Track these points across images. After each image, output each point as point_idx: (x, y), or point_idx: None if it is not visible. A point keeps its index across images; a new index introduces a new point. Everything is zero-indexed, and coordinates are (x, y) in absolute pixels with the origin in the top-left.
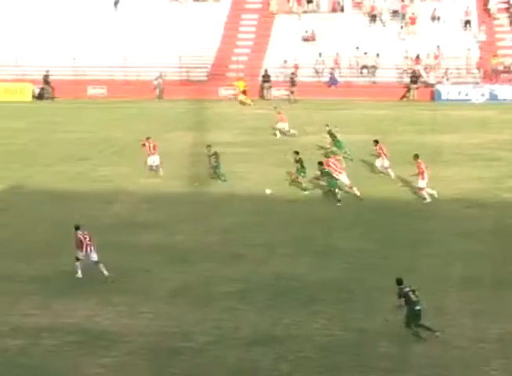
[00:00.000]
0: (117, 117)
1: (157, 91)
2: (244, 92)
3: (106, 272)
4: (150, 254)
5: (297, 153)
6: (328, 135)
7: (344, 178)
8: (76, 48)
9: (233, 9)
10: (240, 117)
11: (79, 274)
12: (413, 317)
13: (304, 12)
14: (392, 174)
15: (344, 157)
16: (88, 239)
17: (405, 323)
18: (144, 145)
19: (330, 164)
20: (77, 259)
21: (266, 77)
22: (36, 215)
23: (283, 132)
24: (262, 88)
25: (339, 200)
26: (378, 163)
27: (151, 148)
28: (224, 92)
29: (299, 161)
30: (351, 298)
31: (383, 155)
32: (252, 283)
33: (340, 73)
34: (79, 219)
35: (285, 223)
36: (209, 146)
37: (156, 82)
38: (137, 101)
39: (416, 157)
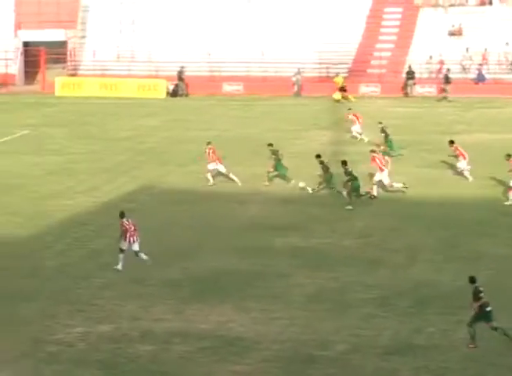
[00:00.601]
0: (252, 115)
1: (295, 87)
2: (342, 89)
3: (145, 257)
4: (286, 257)
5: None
6: (382, 134)
7: (385, 176)
8: (211, 43)
9: (376, 2)
10: (382, 114)
11: (119, 266)
12: (482, 318)
13: (451, 5)
14: (470, 177)
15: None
16: (132, 229)
17: (470, 322)
18: (205, 151)
19: (376, 160)
20: (121, 250)
21: (410, 74)
22: (168, 216)
23: (354, 136)
24: (406, 85)
25: (349, 204)
26: (460, 164)
27: (211, 154)
28: (365, 88)
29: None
30: (500, 306)
31: (461, 156)
32: (392, 289)
33: (488, 69)
34: (213, 221)
35: (426, 227)
36: (270, 144)
37: (294, 79)
38: (274, 98)
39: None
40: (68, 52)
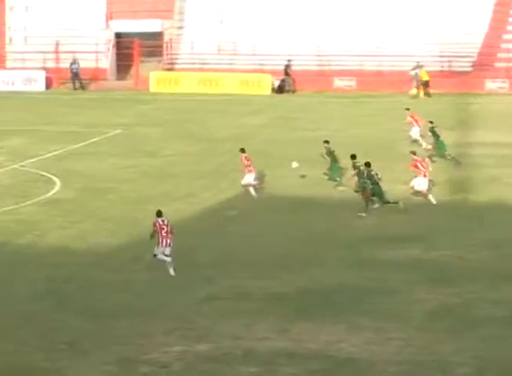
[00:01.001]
0: (367, 113)
1: (414, 83)
2: (427, 84)
3: (173, 273)
4: (403, 271)
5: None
6: (431, 134)
7: (425, 182)
8: (321, 34)
9: None
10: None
11: (171, 272)
12: None
13: None
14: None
15: (447, 159)
16: (164, 230)
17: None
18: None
19: (418, 164)
20: (155, 256)
21: None
22: (272, 224)
23: (414, 140)
24: None
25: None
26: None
27: (245, 162)
28: (491, 84)
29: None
30: None
31: None
32: None
33: None
34: (321, 230)
35: None
36: (326, 141)
37: (412, 73)
38: (390, 95)
39: None
40: (164, 45)
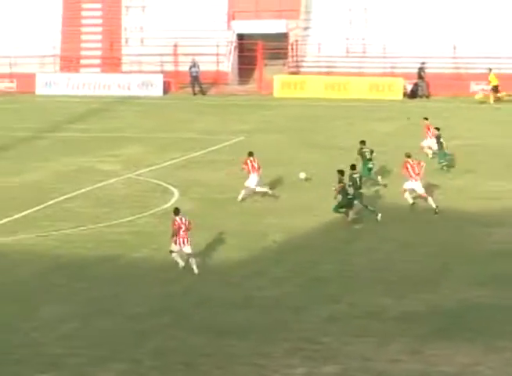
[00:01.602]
0: (508, 120)
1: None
2: (496, 88)
3: (196, 270)
4: None
5: None
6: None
7: (418, 186)
8: (457, 34)
9: None
10: None
11: (180, 266)
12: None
13: None
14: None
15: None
16: (182, 229)
17: None
18: (245, 164)
19: (408, 166)
20: (171, 252)
21: None
22: (400, 238)
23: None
24: None
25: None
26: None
27: (251, 166)
28: None
29: None
30: None
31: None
32: None
33: None
34: (454, 244)
35: None
36: (362, 142)
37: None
38: None
39: None
40: (289, 47)
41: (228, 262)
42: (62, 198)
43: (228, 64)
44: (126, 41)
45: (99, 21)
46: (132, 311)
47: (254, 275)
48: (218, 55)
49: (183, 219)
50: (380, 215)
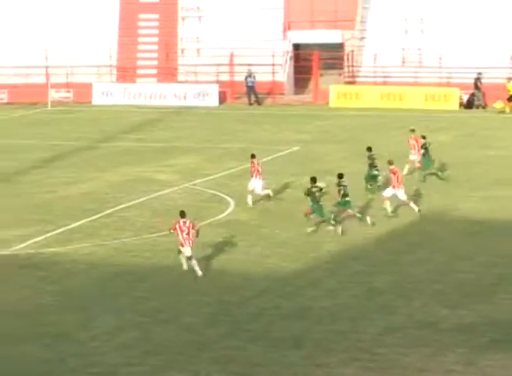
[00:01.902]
0: None
1: None
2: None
3: (199, 272)
4: None
5: None
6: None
7: (401, 193)
8: None
9: None
10: None
11: (184, 267)
12: None
13: None
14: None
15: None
16: (186, 232)
17: None
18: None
19: (393, 174)
20: (179, 252)
21: None
22: (459, 249)
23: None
24: None
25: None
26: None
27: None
28: None
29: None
30: None
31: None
32: None
33: None
34: None
35: None
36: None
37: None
38: None
39: None
40: (345, 56)
41: (283, 272)
42: (118, 208)
43: (283, 74)
44: (182, 52)
45: (156, 31)
46: (189, 320)
47: (309, 285)
48: (273, 65)
49: (186, 223)
50: (368, 217)
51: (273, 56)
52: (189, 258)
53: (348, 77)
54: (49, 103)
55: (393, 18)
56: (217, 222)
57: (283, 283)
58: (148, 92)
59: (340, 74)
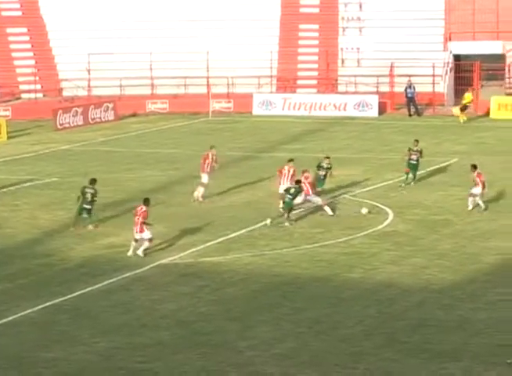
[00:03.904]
0: None
1: None
2: (464, 107)
3: (130, 253)
4: None
5: None
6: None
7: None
8: None
9: None
10: None
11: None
12: None
13: None
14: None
15: None
16: (136, 217)
17: None
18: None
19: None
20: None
21: None
22: None
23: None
24: None
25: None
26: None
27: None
28: None
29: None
30: None
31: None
32: None
33: None
34: None
35: None
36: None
37: None
38: None
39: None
40: (506, 67)
41: (442, 283)
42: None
43: (444, 85)
44: (342, 62)
45: (316, 42)
46: (346, 332)
47: (468, 297)
48: (434, 76)
49: (142, 209)
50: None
51: (433, 66)
52: (135, 241)
53: (509, 88)
54: (210, 113)
55: None
56: (376, 233)
57: (442, 294)
58: (308, 103)
59: (501, 86)
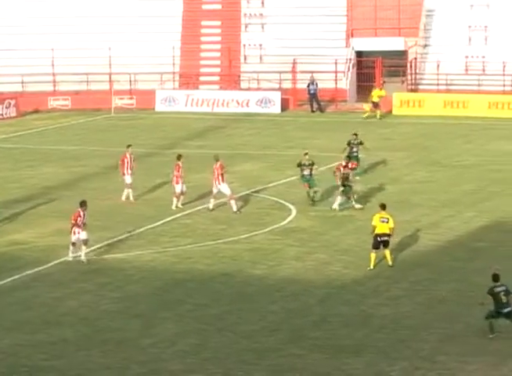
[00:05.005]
0: None
1: None
2: (375, 104)
3: (83, 253)
4: None
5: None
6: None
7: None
8: None
9: None
10: None
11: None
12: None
13: None
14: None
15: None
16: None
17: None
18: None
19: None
20: (72, 244)
21: None
22: None
23: None
24: None
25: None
26: None
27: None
28: None
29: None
30: None
31: None
32: None
33: None
34: None
35: None
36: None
37: None
38: None
39: None
40: (408, 64)
41: (345, 279)
42: (180, 215)
43: (346, 81)
44: (245, 59)
45: (219, 38)
46: (249, 328)
47: (371, 293)
48: (336, 72)
49: (84, 210)
50: None
51: (336, 63)
52: (85, 242)
53: (411, 84)
54: (113, 110)
55: (457, 25)
56: (278, 229)
57: (344, 290)
58: (210, 99)
59: (403, 82)
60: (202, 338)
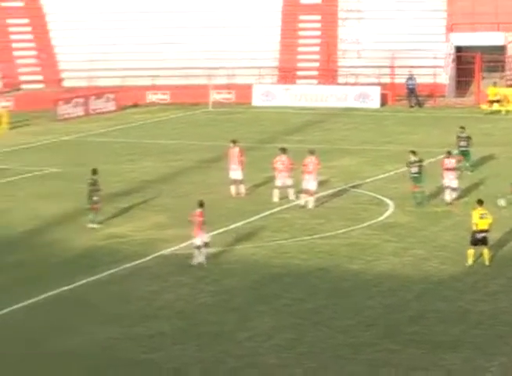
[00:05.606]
0: None
1: None
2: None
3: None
4: None
5: None
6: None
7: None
8: None
9: None
10: None
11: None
12: None
13: None
14: None
15: None
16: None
17: None
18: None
19: None
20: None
21: None
22: None
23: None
24: None
25: None
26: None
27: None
28: None
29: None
30: None
31: None
32: None
33: None
34: None
35: None
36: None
37: None
38: None
39: None
40: (507, 59)
41: (442, 275)
42: (277, 209)
43: (445, 77)
44: (343, 53)
45: (317, 33)
46: (345, 323)
47: (469, 289)
48: (435, 67)
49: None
50: None
51: (435, 58)
52: (205, 245)
53: (510, 79)
54: (210, 104)
55: None
56: (376, 225)
57: (442, 286)
58: (308, 94)
59: (501, 77)
60: (298, 332)
